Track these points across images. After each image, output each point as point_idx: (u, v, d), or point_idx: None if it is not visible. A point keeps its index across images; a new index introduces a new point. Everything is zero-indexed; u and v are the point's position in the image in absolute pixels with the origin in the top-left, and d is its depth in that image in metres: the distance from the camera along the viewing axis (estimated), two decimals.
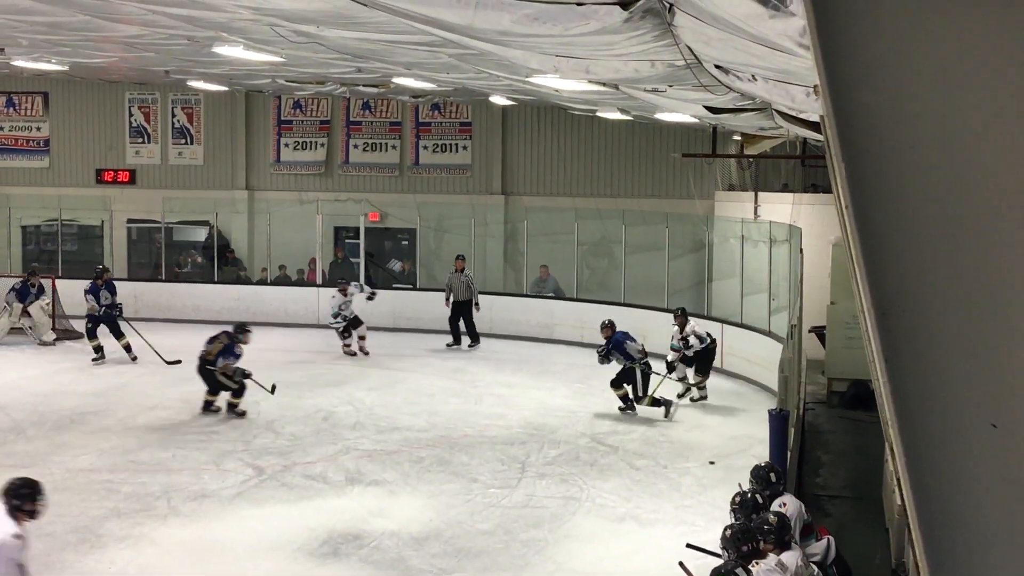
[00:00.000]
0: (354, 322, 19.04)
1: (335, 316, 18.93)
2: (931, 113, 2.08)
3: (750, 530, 6.77)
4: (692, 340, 15.83)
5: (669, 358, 16.03)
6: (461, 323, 19.96)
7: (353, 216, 23.18)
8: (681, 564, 7.43)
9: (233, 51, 11.73)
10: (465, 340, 19.96)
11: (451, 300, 19.92)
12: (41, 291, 19.68)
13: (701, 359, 15.97)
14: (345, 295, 18.97)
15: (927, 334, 2.17)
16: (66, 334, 19.90)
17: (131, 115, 25.38)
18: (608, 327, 15.40)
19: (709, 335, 16.15)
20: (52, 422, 13.99)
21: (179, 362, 17.02)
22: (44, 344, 19.19)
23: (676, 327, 16.08)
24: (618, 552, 9.87)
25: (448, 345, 19.92)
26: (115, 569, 9.16)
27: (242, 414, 14.41)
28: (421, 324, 21.48)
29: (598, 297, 20.32)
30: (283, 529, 10.18)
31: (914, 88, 2.10)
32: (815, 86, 5.40)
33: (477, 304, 19.93)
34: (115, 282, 19.20)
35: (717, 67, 6.72)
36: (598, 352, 15.41)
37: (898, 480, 8.90)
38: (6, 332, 19.23)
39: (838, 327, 16.02)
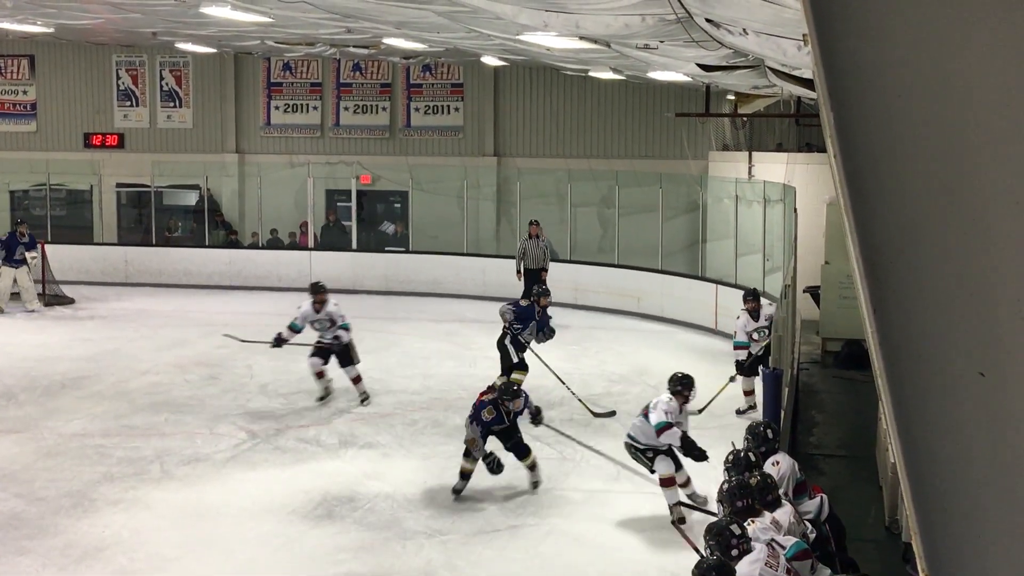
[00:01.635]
0: (343, 356, 13.64)
1: (293, 329, 13.69)
2: (922, 60, 2.03)
3: (746, 486, 6.76)
4: (757, 335, 13.11)
5: (741, 357, 13.23)
6: None
7: (345, 179, 23.06)
8: (674, 523, 7.43)
9: (221, 11, 11.60)
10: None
11: (523, 268, 18.69)
12: (32, 243, 19.33)
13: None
14: (318, 312, 13.63)
15: (916, 284, 2.14)
16: (56, 299, 19.78)
17: (119, 78, 25.17)
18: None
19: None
20: (43, 387, 13.94)
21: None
22: (31, 312, 18.96)
23: (747, 313, 13.22)
24: (613, 512, 9.87)
25: None
26: (109, 533, 9.13)
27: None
28: (414, 287, 21.43)
29: (592, 259, 20.26)
30: (277, 492, 10.16)
31: (905, 34, 2.06)
32: (804, 35, 5.33)
33: (546, 269, 18.61)
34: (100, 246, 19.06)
35: (708, 21, 6.64)
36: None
37: (889, 436, 8.92)
38: (7, 298, 19.02)
39: (832, 287, 15.99)
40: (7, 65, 25.58)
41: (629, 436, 9.70)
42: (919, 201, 2.08)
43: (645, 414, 9.59)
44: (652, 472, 9.59)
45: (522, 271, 18.76)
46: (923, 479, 2.21)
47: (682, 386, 9.69)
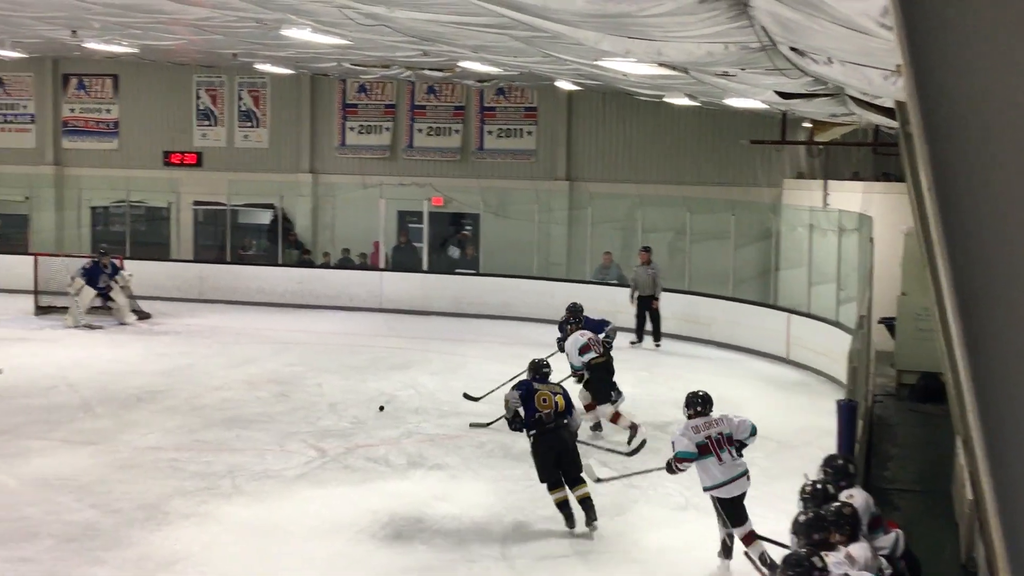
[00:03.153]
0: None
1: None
2: (1020, 93, 2.00)
3: (823, 519, 6.64)
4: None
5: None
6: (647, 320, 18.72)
7: (416, 200, 23.20)
8: (747, 554, 7.32)
9: (301, 34, 11.76)
10: (649, 340, 18.75)
11: (635, 296, 18.74)
12: (115, 271, 19.84)
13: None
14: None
15: (1012, 325, 2.08)
16: (136, 315, 20.12)
17: (198, 98, 25.63)
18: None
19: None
20: (120, 400, 14.16)
21: None
22: (125, 325, 19.39)
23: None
24: (680, 541, 9.77)
25: (632, 343, 18.71)
26: (180, 546, 9.22)
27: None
28: (483, 309, 21.48)
29: (663, 285, 20.15)
30: (345, 511, 10.19)
31: (1002, 69, 2.02)
32: (897, 66, 5.26)
33: (657, 298, 18.61)
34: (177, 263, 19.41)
35: (792, 49, 6.59)
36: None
37: (971, 474, 8.72)
38: (86, 311, 19.43)
39: (909, 319, 15.73)
40: (92, 84, 26.16)
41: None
42: (1017, 238, 2.03)
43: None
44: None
45: (634, 298, 18.76)
46: (1016, 526, 2.15)
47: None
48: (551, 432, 9.95)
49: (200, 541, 9.39)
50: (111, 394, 14.44)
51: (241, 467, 11.44)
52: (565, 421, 10.01)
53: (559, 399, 10.06)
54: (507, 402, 10.31)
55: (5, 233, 25.96)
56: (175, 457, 11.73)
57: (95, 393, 14.44)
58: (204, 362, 16.71)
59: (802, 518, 6.74)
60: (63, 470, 11.16)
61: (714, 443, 8.83)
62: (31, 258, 21.46)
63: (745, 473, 8.87)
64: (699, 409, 9.16)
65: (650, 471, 9.44)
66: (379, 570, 8.93)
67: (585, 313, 13.97)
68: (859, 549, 6.64)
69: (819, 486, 7.31)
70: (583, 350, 13.12)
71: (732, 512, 8.79)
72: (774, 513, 10.21)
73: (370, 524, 9.86)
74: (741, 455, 8.94)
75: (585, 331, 13.37)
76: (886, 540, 7.47)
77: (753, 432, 9.00)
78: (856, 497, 7.49)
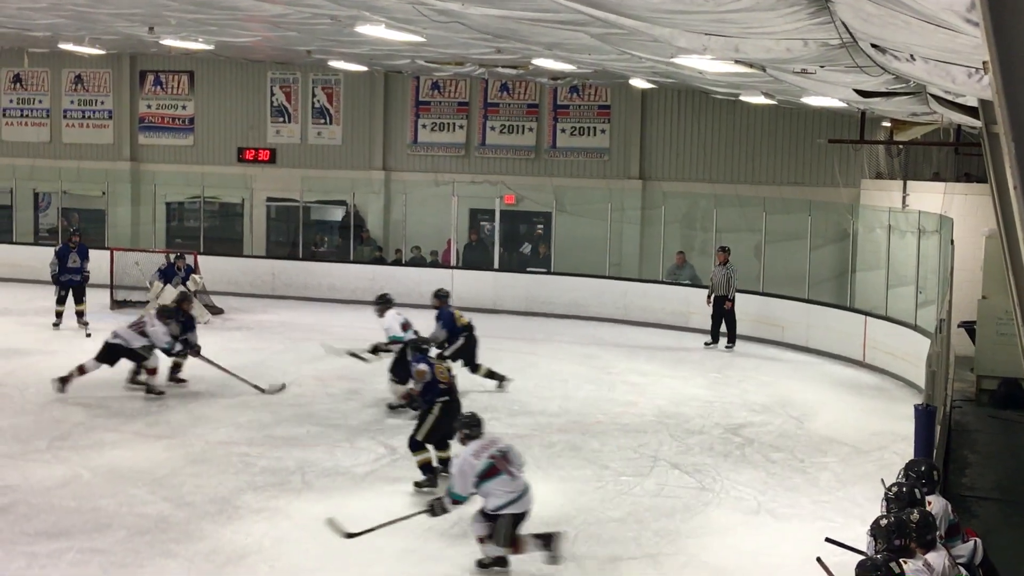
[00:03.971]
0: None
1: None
2: None
3: (905, 524, 6.47)
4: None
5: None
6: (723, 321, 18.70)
7: (488, 199, 23.19)
8: (819, 560, 7.16)
9: (375, 30, 11.77)
10: (723, 341, 18.72)
11: (712, 296, 18.68)
12: (189, 271, 20.08)
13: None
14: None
15: None
16: (209, 310, 20.32)
17: (272, 95, 25.87)
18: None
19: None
20: (192, 395, 14.31)
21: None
22: (204, 323, 19.50)
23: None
24: (752, 546, 9.63)
25: (706, 344, 18.75)
26: (251, 540, 9.28)
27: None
28: (554, 308, 21.43)
29: (737, 286, 19.91)
30: (415, 508, 10.18)
31: None
32: (984, 63, 5.11)
33: (731, 299, 18.50)
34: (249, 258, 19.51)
35: (873, 46, 6.44)
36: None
37: None
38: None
39: (990, 322, 15.40)
40: (168, 80, 26.54)
41: None
42: None
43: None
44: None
45: (711, 299, 18.72)
46: None
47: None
48: (455, 401, 10.90)
49: (270, 536, 9.44)
50: (183, 388, 14.59)
51: (311, 463, 11.50)
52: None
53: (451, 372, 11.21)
54: (422, 374, 10.96)
55: (83, 228, 26.40)
56: (246, 452, 11.82)
57: (169, 387, 14.59)
58: (275, 358, 16.84)
59: (884, 522, 6.57)
60: (136, 463, 11.30)
61: (500, 461, 8.61)
62: (107, 253, 21.77)
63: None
64: (470, 432, 8.85)
65: (412, 515, 9.24)
66: (448, 567, 8.92)
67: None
68: (937, 557, 6.48)
69: (904, 488, 7.13)
70: (404, 327, 14.30)
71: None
72: (844, 518, 10.07)
73: (439, 522, 9.81)
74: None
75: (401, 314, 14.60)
76: (964, 548, 7.30)
77: None
78: (934, 504, 7.32)
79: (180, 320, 14.54)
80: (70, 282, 18.56)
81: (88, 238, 25.27)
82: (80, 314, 18.47)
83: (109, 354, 14.03)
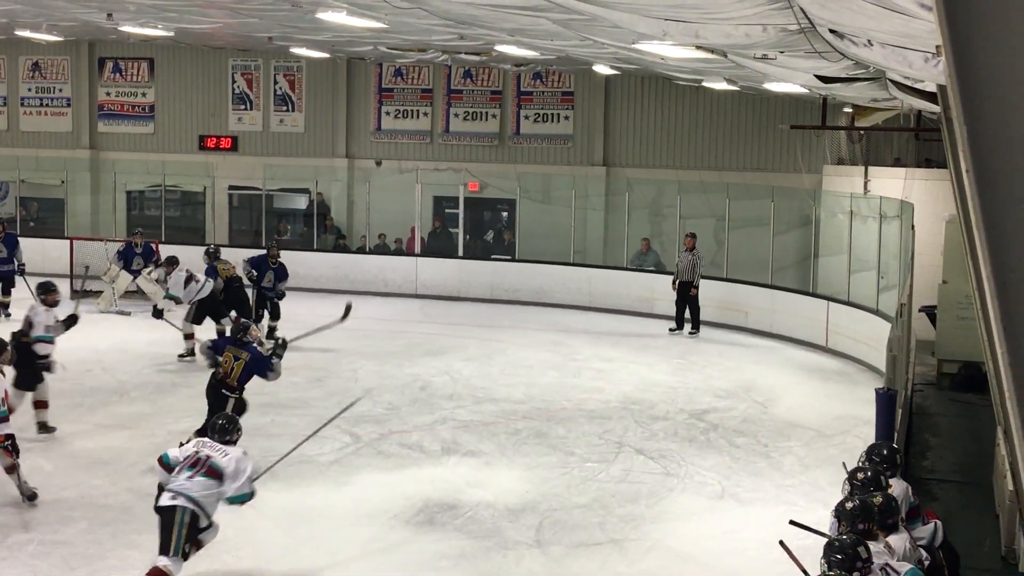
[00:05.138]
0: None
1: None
2: None
3: (870, 507, 6.53)
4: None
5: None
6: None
7: (452, 186, 23.14)
8: (782, 543, 7.21)
9: (336, 17, 11.70)
10: (688, 326, 18.70)
11: (677, 282, 18.68)
12: (149, 252, 19.77)
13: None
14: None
15: None
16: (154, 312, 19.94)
17: (234, 82, 25.67)
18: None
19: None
20: (155, 384, 14.22)
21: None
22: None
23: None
24: (716, 530, 9.69)
25: (671, 330, 18.74)
26: None
27: None
28: (519, 296, 21.43)
29: (701, 272, 19.98)
30: (379, 497, 10.18)
31: None
32: (937, 47, 5.14)
33: (696, 286, 18.53)
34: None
35: (832, 31, 6.46)
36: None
37: (1011, 464, 8.57)
38: (121, 294, 19.49)
39: (950, 307, 15.54)
40: (128, 68, 26.27)
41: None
42: None
43: (209, 472, 7.98)
44: None
45: (676, 284, 18.74)
46: None
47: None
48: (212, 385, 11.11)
49: (235, 526, 9.36)
50: (146, 378, 14.50)
51: (276, 452, 11.38)
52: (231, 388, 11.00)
53: (238, 365, 10.98)
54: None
55: (42, 217, 26.15)
56: None
57: (130, 377, 14.51)
58: None
59: (849, 505, 6.62)
60: (98, 453, 11.22)
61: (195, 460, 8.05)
62: (67, 242, 21.55)
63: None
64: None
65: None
66: (413, 556, 8.91)
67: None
68: (898, 539, 6.55)
69: (870, 474, 7.18)
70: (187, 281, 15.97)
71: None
72: (807, 501, 10.14)
73: (404, 510, 9.84)
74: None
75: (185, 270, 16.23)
76: (924, 530, 7.37)
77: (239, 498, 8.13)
78: (895, 487, 7.38)
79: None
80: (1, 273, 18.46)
81: (48, 227, 25.07)
82: (3, 305, 18.29)
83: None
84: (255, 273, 17.37)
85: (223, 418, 8.56)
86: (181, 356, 15.58)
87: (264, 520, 9.53)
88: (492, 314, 20.27)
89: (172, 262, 16.41)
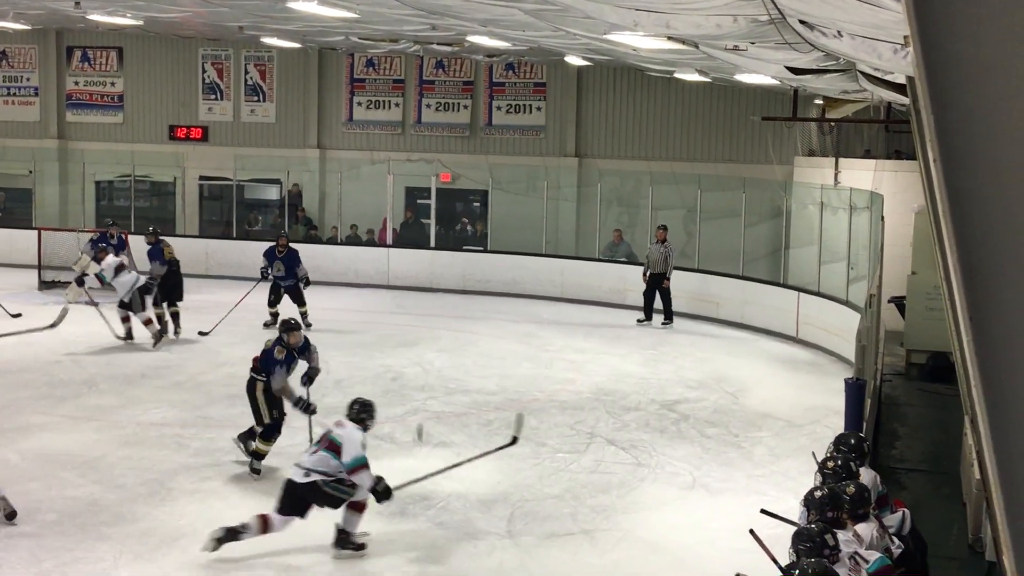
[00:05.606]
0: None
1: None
2: None
3: (839, 496, 6.58)
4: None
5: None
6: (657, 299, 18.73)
7: (424, 176, 23.09)
8: (752, 532, 7.24)
9: (307, 6, 11.64)
10: (658, 318, 18.73)
11: (648, 273, 18.68)
12: (122, 244, 19.56)
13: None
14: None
15: (1015, 291, 2.06)
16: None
17: (204, 72, 25.48)
18: None
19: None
20: (123, 376, 14.13)
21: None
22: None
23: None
24: (687, 520, 9.72)
25: (639, 321, 18.76)
26: (185, 522, 9.19)
27: None
28: (491, 287, 21.41)
29: (674, 264, 20.00)
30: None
31: (1011, 40, 2.00)
32: (905, 37, 5.16)
33: (668, 277, 18.52)
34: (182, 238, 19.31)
35: (802, 22, 6.48)
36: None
37: (978, 453, 8.65)
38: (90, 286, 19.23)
39: (919, 298, 15.63)
40: (96, 57, 26.03)
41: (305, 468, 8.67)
42: (1021, 209, 2.00)
43: (329, 447, 8.68)
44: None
45: (646, 276, 18.73)
46: (1017, 492, 2.12)
47: (368, 415, 8.99)
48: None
49: (204, 517, 9.34)
50: (115, 369, 14.41)
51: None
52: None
53: None
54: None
55: (9, 207, 25.90)
56: (179, 433, 11.70)
57: (99, 369, 14.41)
58: (209, 339, 16.65)
59: (817, 493, 6.68)
60: (66, 445, 11.13)
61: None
62: (35, 233, 21.37)
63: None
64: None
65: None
66: (385, 546, 8.89)
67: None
68: (865, 528, 6.61)
69: (840, 463, 7.24)
70: (118, 269, 16.17)
71: None
72: (778, 491, 10.19)
73: (374, 501, 9.80)
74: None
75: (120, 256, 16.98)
76: (892, 519, 7.42)
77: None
78: (864, 476, 7.43)
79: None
80: None
81: (15, 218, 24.83)
82: None
83: None
84: (267, 263, 17.61)
85: (358, 403, 9.09)
86: (121, 337, 16.05)
87: (234, 511, 9.48)
88: (464, 305, 20.26)
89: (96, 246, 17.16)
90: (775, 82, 15.30)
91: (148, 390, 13.51)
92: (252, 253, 22.73)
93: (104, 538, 8.77)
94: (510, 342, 17.18)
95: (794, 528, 6.56)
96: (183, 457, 10.90)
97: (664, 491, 10.46)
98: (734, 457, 11.57)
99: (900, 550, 7.00)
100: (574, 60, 20.19)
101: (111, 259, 16.38)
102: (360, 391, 13.55)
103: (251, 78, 25.26)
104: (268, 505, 9.61)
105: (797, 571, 5.54)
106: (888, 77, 9.15)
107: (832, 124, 20.70)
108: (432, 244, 22.58)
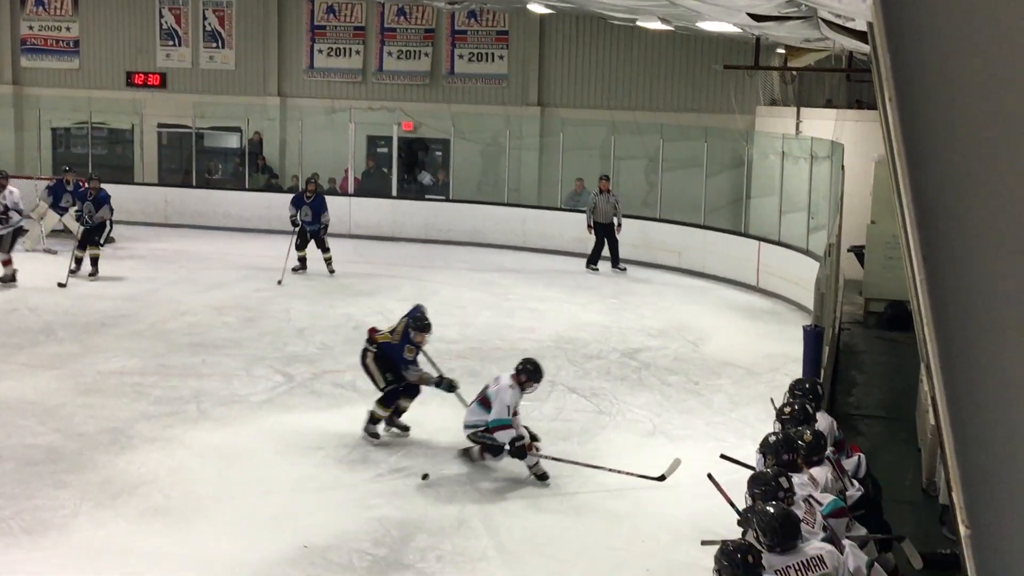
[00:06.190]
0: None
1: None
2: (983, 14, 2.01)
3: (794, 441, 6.68)
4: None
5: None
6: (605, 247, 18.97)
7: (386, 125, 22.93)
8: (710, 476, 7.33)
9: None
10: (604, 265, 18.96)
11: (593, 222, 18.89)
12: (78, 191, 19.14)
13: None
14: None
15: (968, 233, 2.12)
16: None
17: (161, 17, 25.08)
18: None
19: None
20: (83, 324, 14.03)
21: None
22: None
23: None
24: (648, 466, 9.77)
25: (589, 268, 18.97)
26: (145, 470, 9.18)
27: None
28: (453, 236, 21.38)
29: (634, 212, 20.01)
30: (312, 436, 10.17)
31: None
32: None
33: (619, 225, 18.81)
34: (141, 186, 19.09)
35: None
36: None
37: (932, 398, 8.78)
38: (48, 233, 19.10)
39: (878, 247, 15.76)
40: (51, 1, 25.56)
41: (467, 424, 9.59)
42: (974, 151, 2.07)
43: (482, 401, 9.48)
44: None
45: (592, 224, 18.84)
46: (966, 429, 2.17)
47: (528, 376, 9.51)
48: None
49: (165, 465, 9.35)
50: (74, 318, 14.30)
51: (207, 392, 11.38)
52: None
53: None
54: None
55: None
56: (140, 382, 11.65)
57: (57, 317, 14.29)
58: (169, 287, 16.56)
59: (773, 438, 6.78)
60: (25, 394, 11.06)
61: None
62: None
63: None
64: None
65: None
66: (346, 494, 8.93)
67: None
68: (820, 471, 6.70)
69: (797, 407, 7.33)
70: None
71: None
72: (737, 438, 10.30)
73: (337, 448, 9.85)
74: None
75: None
76: (848, 463, 7.52)
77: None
78: (820, 421, 7.53)
79: None
80: None
81: None
82: None
83: None
84: (295, 210, 17.74)
85: (523, 364, 9.61)
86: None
87: (195, 459, 9.51)
88: (426, 254, 20.22)
89: None
90: (737, 31, 15.26)
91: (108, 338, 13.42)
92: (213, 202, 22.66)
93: (64, 486, 8.74)
94: (472, 291, 17.19)
95: (750, 472, 6.65)
96: (143, 405, 10.85)
97: (625, 438, 10.55)
98: (694, 404, 11.68)
99: (860, 493, 7.12)
100: (537, 8, 20.02)
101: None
102: (322, 339, 13.61)
103: (209, 24, 24.89)
104: (229, 456, 9.64)
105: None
106: (849, 24, 9.14)
107: (794, 73, 20.72)
108: (394, 193, 22.48)
